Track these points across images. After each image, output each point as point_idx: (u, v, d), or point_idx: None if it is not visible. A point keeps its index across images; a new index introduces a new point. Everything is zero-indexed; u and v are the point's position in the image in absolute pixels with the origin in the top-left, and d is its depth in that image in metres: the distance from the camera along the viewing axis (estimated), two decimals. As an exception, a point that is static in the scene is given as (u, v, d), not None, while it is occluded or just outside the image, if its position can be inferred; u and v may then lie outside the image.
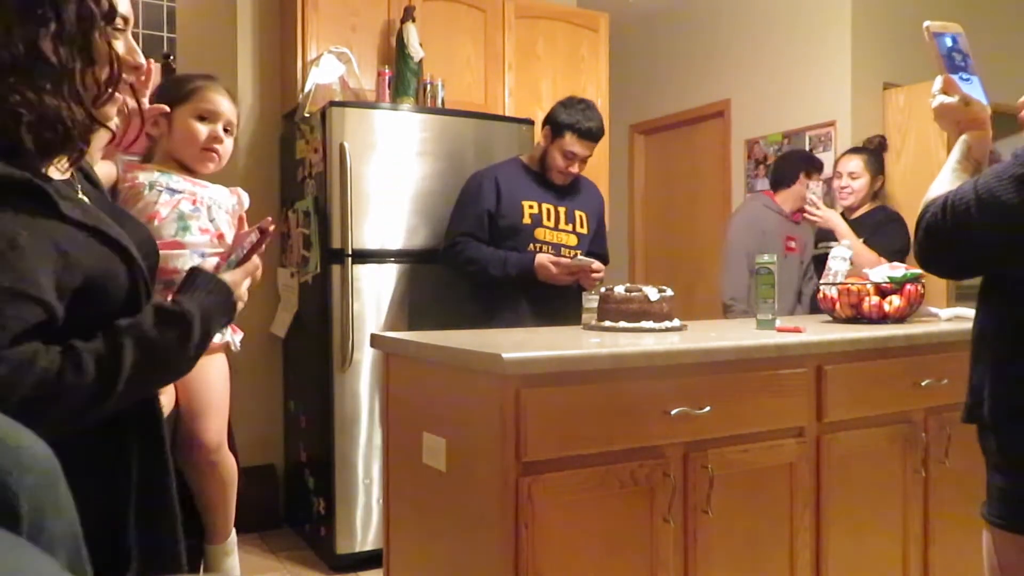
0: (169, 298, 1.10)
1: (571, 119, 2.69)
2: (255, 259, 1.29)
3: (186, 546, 1.15)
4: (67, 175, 1.07)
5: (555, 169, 2.76)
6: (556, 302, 2.71)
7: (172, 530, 1.10)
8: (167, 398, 1.60)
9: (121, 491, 1.02)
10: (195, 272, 1.16)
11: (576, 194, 2.86)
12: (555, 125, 2.72)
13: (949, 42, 1.38)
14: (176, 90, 1.88)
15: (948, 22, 1.40)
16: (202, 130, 1.85)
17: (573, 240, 2.81)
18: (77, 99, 0.97)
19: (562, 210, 2.80)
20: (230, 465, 1.86)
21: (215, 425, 1.81)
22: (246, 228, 1.51)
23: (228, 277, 1.19)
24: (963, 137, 1.36)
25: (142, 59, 1.11)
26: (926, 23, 1.38)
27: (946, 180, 1.30)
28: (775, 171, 3.57)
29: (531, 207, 2.75)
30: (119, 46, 1.06)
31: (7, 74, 0.91)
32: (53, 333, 0.91)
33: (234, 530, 1.92)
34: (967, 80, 1.36)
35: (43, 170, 0.99)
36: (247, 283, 1.27)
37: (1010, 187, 1.12)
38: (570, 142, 2.69)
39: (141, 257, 1.04)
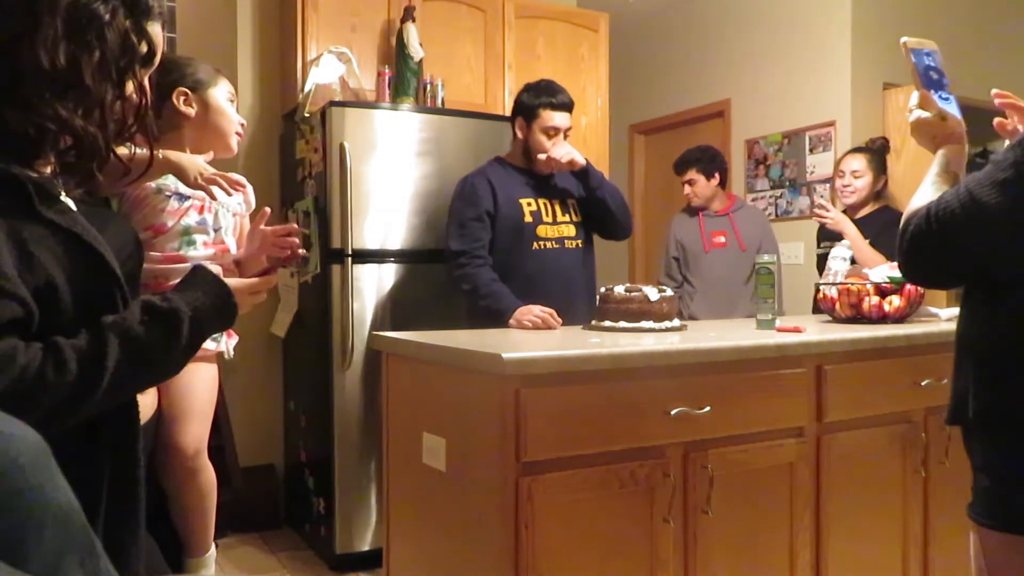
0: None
1: (539, 98, 2.69)
2: (271, 277, 1.25)
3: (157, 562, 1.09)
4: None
5: (543, 153, 2.69)
6: (561, 303, 2.69)
7: (134, 554, 1.02)
8: (149, 399, 1.55)
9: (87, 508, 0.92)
10: (195, 271, 1.10)
11: (561, 182, 2.82)
12: (527, 109, 2.71)
13: (926, 59, 1.41)
14: (207, 71, 1.90)
15: (924, 39, 1.43)
16: (234, 112, 1.90)
17: (572, 230, 2.80)
18: (103, 128, 0.99)
19: (556, 203, 2.78)
20: (208, 475, 1.79)
21: (194, 431, 1.75)
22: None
23: (232, 282, 1.12)
24: (940, 151, 1.39)
25: (146, 99, 1.10)
26: (903, 39, 1.42)
27: (926, 193, 1.33)
28: None
29: (529, 205, 2.73)
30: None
31: (45, 86, 0.93)
32: (27, 334, 0.88)
33: (215, 545, 1.86)
34: (945, 98, 1.39)
35: (33, 166, 0.97)
36: (256, 298, 1.23)
37: (992, 191, 1.15)
38: (547, 117, 2.67)
39: (121, 261, 1.01)
